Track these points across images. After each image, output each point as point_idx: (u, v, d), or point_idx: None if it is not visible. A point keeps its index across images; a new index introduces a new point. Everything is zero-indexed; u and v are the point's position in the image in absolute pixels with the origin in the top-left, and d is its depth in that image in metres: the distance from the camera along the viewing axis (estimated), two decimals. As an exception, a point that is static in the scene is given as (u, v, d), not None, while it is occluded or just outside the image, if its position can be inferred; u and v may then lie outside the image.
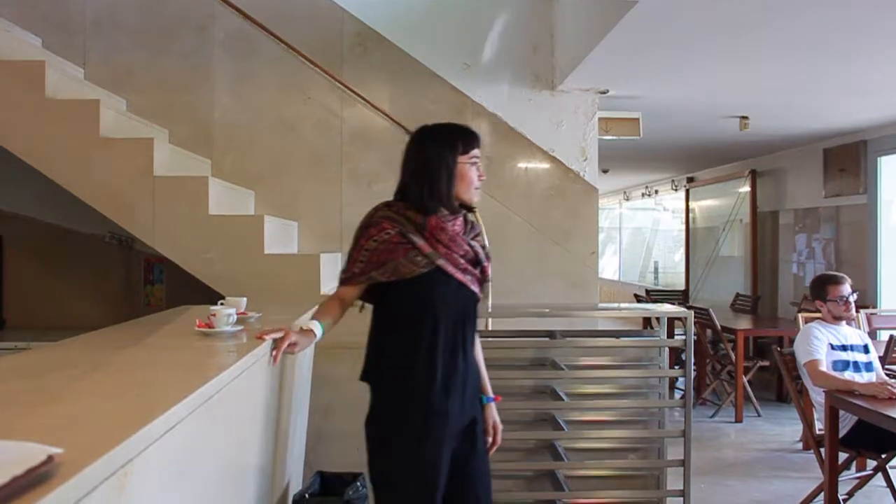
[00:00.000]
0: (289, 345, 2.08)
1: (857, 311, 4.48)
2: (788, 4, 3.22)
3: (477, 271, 2.21)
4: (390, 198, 4.23)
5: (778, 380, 6.44)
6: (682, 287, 10.38)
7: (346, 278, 2.22)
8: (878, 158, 6.41)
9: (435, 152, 2.19)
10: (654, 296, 8.80)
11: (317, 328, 2.17)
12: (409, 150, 2.24)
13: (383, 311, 2.21)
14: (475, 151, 2.22)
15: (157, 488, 1.26)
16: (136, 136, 3.85)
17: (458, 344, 2.17)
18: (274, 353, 2.06)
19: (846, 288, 3.83)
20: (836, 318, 3.82)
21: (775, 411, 6.16)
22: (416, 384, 2.12)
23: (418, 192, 2.17)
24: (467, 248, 2.20)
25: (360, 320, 3.70)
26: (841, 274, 3.98)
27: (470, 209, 2.25)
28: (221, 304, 2.46)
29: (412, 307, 2.15)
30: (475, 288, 2.21)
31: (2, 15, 4.19)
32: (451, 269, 2.14)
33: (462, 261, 2.17)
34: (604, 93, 4.76)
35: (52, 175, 3.58)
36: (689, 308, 4.76)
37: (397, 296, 2.15)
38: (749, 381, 6.07)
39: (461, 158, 2.18)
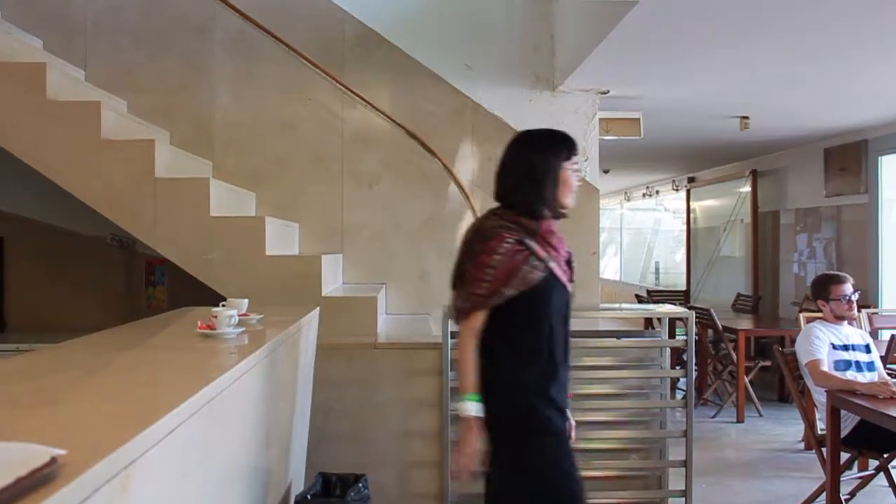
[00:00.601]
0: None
1: (858, 311, 4.47)
2: (789, 5, 3.22)
3: (569, 272, 2.26)
4: (391, 198, 4.34)
5: (779, 380, 6.44)
6: (683, 287, 10.38)
7: (474, 306, 2.12)
8: (879, 158, 6.41)
9: (544, 159, 2.20)
10: (655, 296, 8.80)
11: (474, 408, 2.10)
12: (517, 157, 2.24)
13: (492, 323, 2.16)
14: (575, 158, 2.24)
15: (159, 489, 1.26)
16: (137, 138, 3.85)
17: (566, 344, 2.23)
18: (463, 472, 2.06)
19: (848, 287, 3.83)
20: (838, 318, 3.82)
21: (777, 411, 6.16)
22: (544, 387, 2.15)
23: (528, 197, 2.17)
24: (566, 249, 2.25)
25: (359, 321, 3.71)
26: (843, 273, 3.98)
27: (564, 215, 2.28)
28: (223, 305, 2.46)
29: (530, 313, 2.15)
30: (570, 288, 2.25)
31: (3, 17, 4.20)
32: (558, 271, 2.17)
33: (563, 263, 2.21)
34: (604, 93, 4.76)
35: (54, 177, 3.58)
36: (691, 308, 4.77)
37: (516, 304, 2.13)
38: (750, 382, 6.07)
39: (565, 164, 2.21)
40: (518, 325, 2.16)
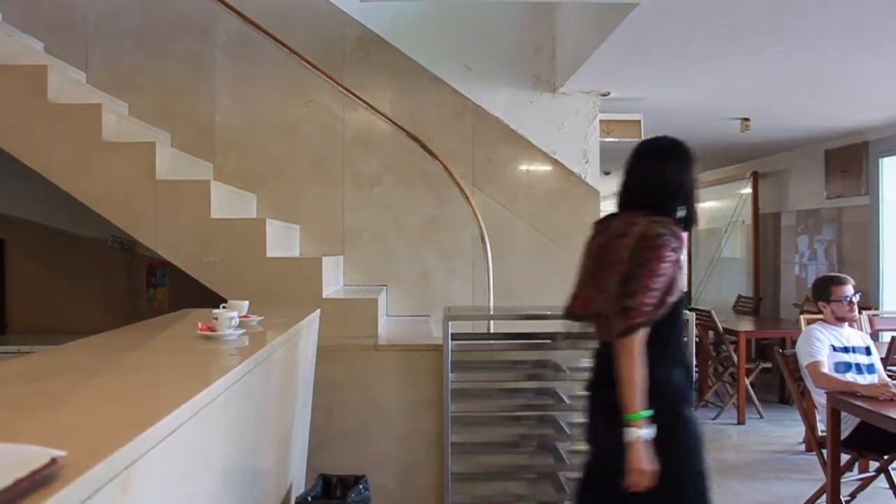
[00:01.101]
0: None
1: (859, 313, 4.47)
2: (790, 6, 3.22)
3: None
4: (392, 199, 4.28)
5: (780, 381, 6.43)
6: (684, 289, 10.35)
7: (646, 318, 2.06)
8: (880, 160, 6.41)
9: (694, 172, 2.30)
10: (656, 298, 8.77)
11: (648, 428, 2.06)
12: (677, 167, 2.28)
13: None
14: None
15: (160, 491, 1.26)
16: (138, 140, 3.85)
17: None
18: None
19: (849, 289, 3.83)
20: (839, 319, 3.81)
21: (777, 413, 6.16)
22: (685, 388, 2.19)
23: (685, 207, 2.23)
24: None
25: (360, 323, 3.72)
26: (844, 275, 3.98)
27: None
28: (224, 307, 2.47)
29: (674, 318, 2.19)
30: None
31: (4, 19, 4.20)
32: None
33: None
34: (605, 95, 4.76)
35: (55, 179, 3.58)
36: (691, 310, 4.76)
37: (666, 315, 2.14)
38: (751, 383, 6.07)
39: None
40: (665, 330, 2.16)
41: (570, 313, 2.39)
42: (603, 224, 2.37)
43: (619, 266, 2.12)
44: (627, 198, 2.30)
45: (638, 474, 2.04)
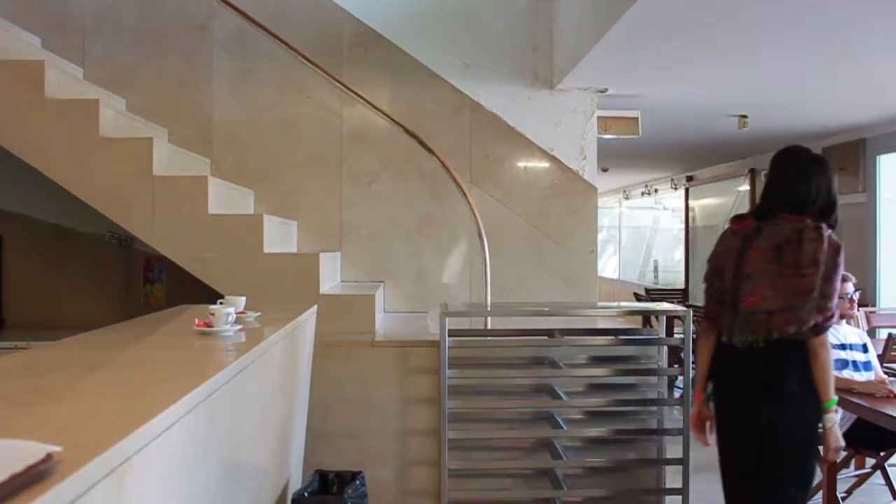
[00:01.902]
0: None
1: (857, 310, 4.47)
2: (788, 3, 3.22)
3: None
4: (390, 196, 4.28)
5: (777, 378, 6.43)
6: (681, 286, 10.39)
7: (834, 313, 2.38)
8: (878, 157, 6.42)
9: None
10: (653, 294, 8.81)
11: (838, 414, 2.48)
12: (830, 178, 2.57)
13: None
14: None
15: (157, 486, 1.26)
16: (135, 136, 3.85)
17: None
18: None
19: (850, 286, 3.83)
20: (839, 316, 3.81)
21: (774, 410, 6.15)
22: None
23: (836, 215, 2.51)
24: None
25: (357, 319, 3.72)
26: (845, 272, 3.97)
27: None
28: (220, 303, 2.46)
29: None
30: None
31: (1, 14, 4.19)
32: None
33: None
34: (603, 91, 4.76)
35: (52, 174, 3.58)
36: (689, 306, 4.76)
37: None
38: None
39: None
40: None
41: (741, 309, 2.51)
42: (743, 224, 2.58)
43: (815, 268, 2.37)
44: (791, 203, 2.50)
45: (836, 452, 2.47)
